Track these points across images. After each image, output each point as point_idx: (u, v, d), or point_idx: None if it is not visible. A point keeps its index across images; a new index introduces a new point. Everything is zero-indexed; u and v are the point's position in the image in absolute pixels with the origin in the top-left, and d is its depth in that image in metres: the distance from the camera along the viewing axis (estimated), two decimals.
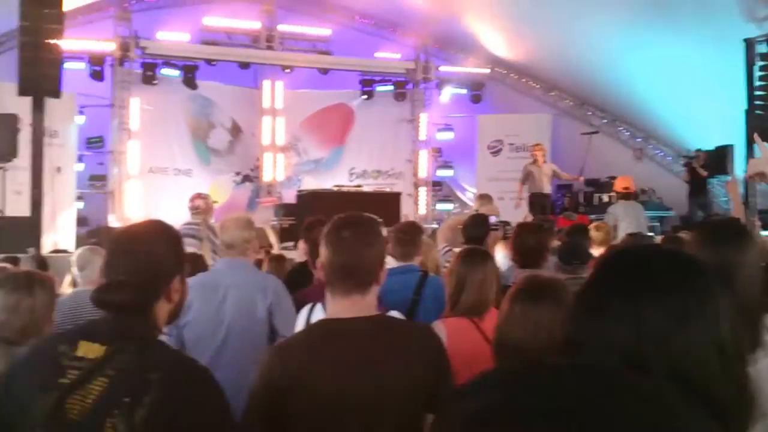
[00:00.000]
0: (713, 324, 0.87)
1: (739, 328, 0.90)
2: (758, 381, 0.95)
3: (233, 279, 3.01)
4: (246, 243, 3.11)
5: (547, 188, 9.92)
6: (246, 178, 12.29)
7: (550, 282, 1.94)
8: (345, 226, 1.79)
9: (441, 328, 2.51)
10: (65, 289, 3.72)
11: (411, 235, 3.37)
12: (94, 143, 10.98)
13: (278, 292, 3.04)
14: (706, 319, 0.87)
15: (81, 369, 1.37)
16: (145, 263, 1.53)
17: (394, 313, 2.42)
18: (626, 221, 7.64)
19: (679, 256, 0.96)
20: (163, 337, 1.67)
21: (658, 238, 4.88)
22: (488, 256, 2.88)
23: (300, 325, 2.50)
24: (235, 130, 12.15)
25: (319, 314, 2.42)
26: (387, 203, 10.01)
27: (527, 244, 3.43)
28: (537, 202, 9.68)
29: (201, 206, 5.21)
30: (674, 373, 0.84)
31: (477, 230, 4.24)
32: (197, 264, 3.51)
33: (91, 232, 9.19)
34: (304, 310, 2.53)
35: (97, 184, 10.99)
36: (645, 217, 8.30)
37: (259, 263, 4.55)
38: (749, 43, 8.48)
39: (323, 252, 1.79)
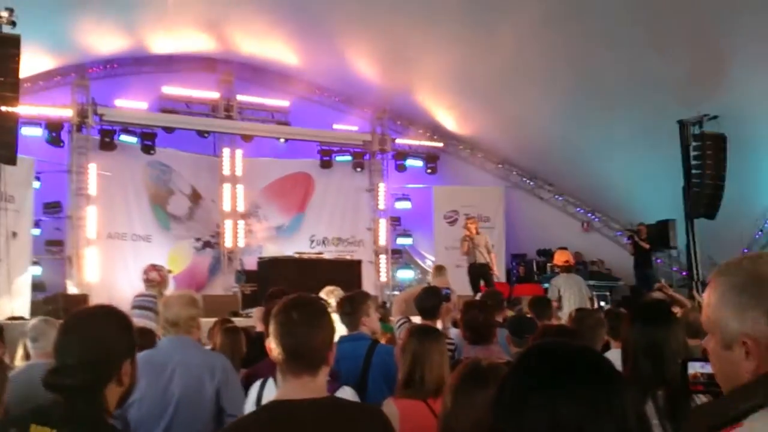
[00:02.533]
0: (621, 416, 0.97)
1: (646, 419, 1.01)
2: None
3: (181, 357, 2.95)
4: (191, 321, 3.04)
5: (483, 258, 9.64)
6: (207, 245, 12.22)
7: (488, 370, 1.87)
8: (294, 308, 1.83)
9: (393, 408, 2.49)
10: (18, 362, 3.58)
11: (354, 305, 3.43)
12: (51, 208, 10.82)
13: (226, 371, 3.01)
14: (615, 413, 0.97)
15: None
16: (96, 347, 1.57)
17: (347, 390, 2.45)
18: (569, 292, 8.12)
19: (588, 354, 1.07)
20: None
21: (606, 308, 5.10)
22: (440, 335, 2.87)
23: (250, 402, 2.50)
24: (195, 197, 12.16)
25: (271, 390, 2.42)
26: (348, 271, 10.08)
27: (476, 321, 3.54)
28: (475, 273, 9.59)
29: (156, 278, 5.14)
30: None
31: (429, 302, 4.33)
32: (146, 339, 3.45)
33: (47, 299, 8.97)
34: (255, 387, 2.52)
35: (54, 249, 10.82)
36: (586, 287, 8.69)
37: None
38: (683, 125, 9.11)
39: (273, 333, 1.82)
